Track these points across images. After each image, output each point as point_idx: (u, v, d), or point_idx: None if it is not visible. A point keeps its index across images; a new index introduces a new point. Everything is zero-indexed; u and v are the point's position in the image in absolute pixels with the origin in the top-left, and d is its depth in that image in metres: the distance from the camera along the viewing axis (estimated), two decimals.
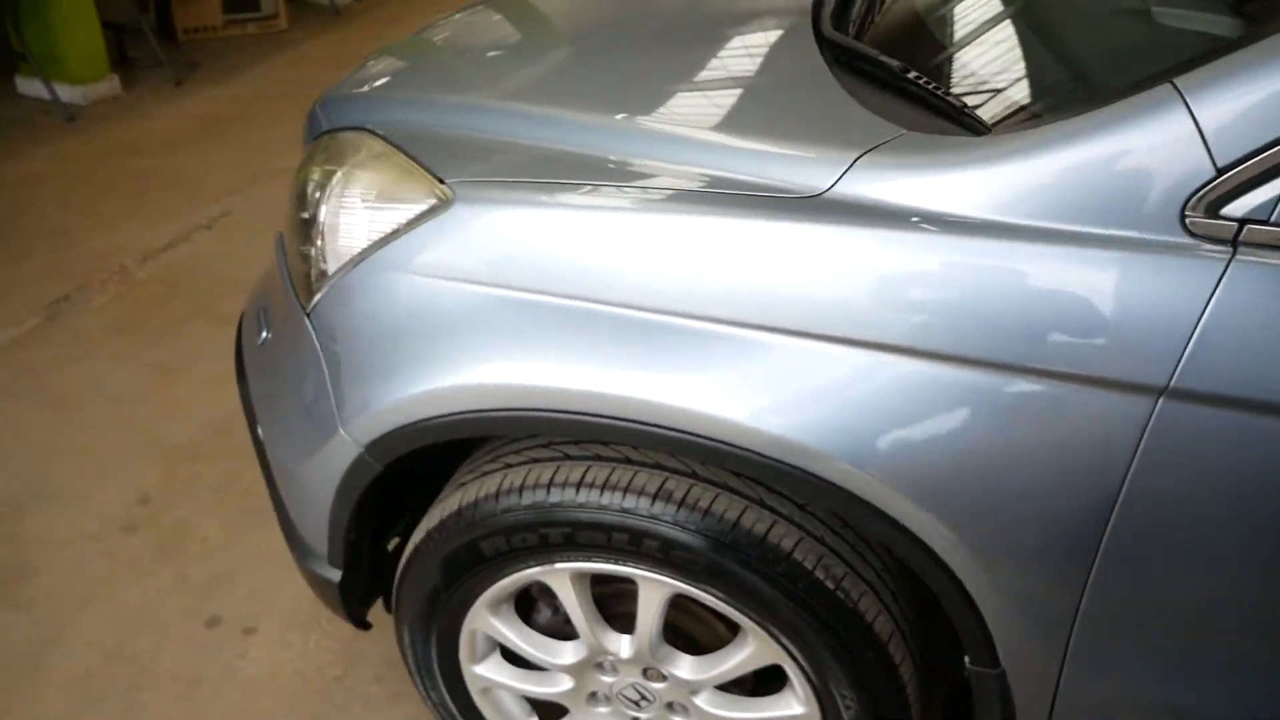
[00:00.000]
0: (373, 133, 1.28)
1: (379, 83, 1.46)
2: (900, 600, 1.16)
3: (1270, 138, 0.80)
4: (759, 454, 0.96)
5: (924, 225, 0.91)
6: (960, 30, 1.36)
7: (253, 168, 3.54)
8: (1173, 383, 0.85)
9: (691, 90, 1.23)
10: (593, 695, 1.33)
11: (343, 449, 1.15)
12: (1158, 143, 0.84)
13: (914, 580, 1.17)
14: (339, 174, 1.21)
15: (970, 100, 1.05)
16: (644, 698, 1.29)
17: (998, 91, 1.09)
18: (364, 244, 1.14)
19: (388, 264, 1.11)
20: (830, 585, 1.07)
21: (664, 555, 1.09)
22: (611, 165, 1.07)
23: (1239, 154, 0.82)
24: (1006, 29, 1.31)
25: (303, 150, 1.59)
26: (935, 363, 0.91)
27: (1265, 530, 0.88)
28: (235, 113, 4.01)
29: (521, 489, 1.13)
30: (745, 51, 1.32)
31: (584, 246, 1.02)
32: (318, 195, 1.24)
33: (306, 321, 1.21)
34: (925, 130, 0.99)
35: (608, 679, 1.29)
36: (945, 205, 0.91)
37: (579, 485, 1.10)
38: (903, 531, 0.98)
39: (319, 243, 1.20)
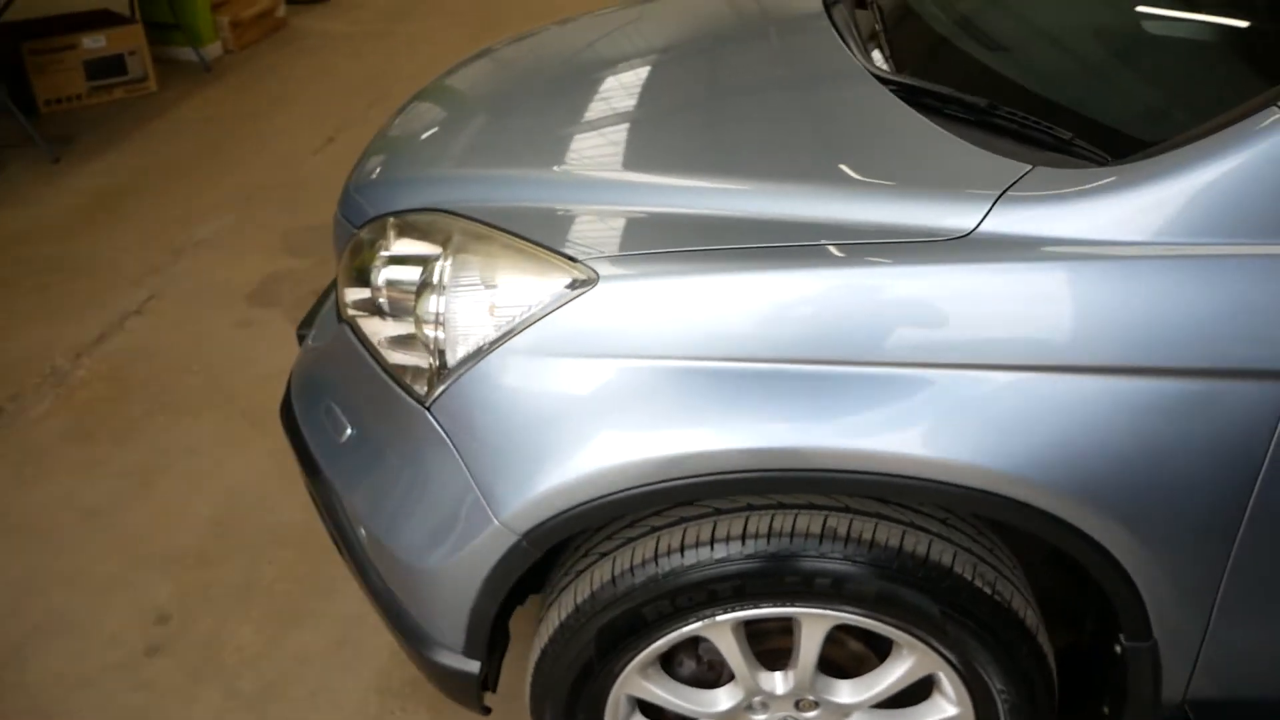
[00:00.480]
0: (454, 214, 1.26)
1: (427, 161, 1.44)
2: (1032, 594, 1.24)
3: None
4: (953, 485, 1.02)
5: (1074, 252, 0.99)
6: (1030, 59, 1.46)
7: (167, 243, 3.34)
8: None
9: (789, 142, 1.27)
10: None
11: (497, 539, 1.13)
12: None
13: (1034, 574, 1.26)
14: (445, 261, 1.19)
15: (1074, 132, 1.14)
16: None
17: (1094, 123, 1.18)
18: (493, 332, 1.13)
19: (531, 348, 1.10)
20: (988, 591, 1.14)
21: (835, 591, 1.13)
22: (745, 225, 1.10)
23: None
24: (1060, 58, 1.42)
25: (333, 241, 1.56)
26: (1100, 376, 0.99)
27: None
28: (128, 185, 3.76)
29: (683, 549, 1.14)
30: (817, 98, 1.37)
31: (745, 308, 1.04)
32: (416, 284, 1.21)
33: (428, 415, 1.18)
34: (1045, 164, 1.07)
35: (759, 717, 1.32)
36: (1089, 232, 0.99)
37: (743, 537, 1.13)
38: (1073, 530, 1.05)
39: (436, 334, 1.17)
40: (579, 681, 1.26)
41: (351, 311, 1.38)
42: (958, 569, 1.13)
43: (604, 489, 1.08)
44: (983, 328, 1.00)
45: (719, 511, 1.16)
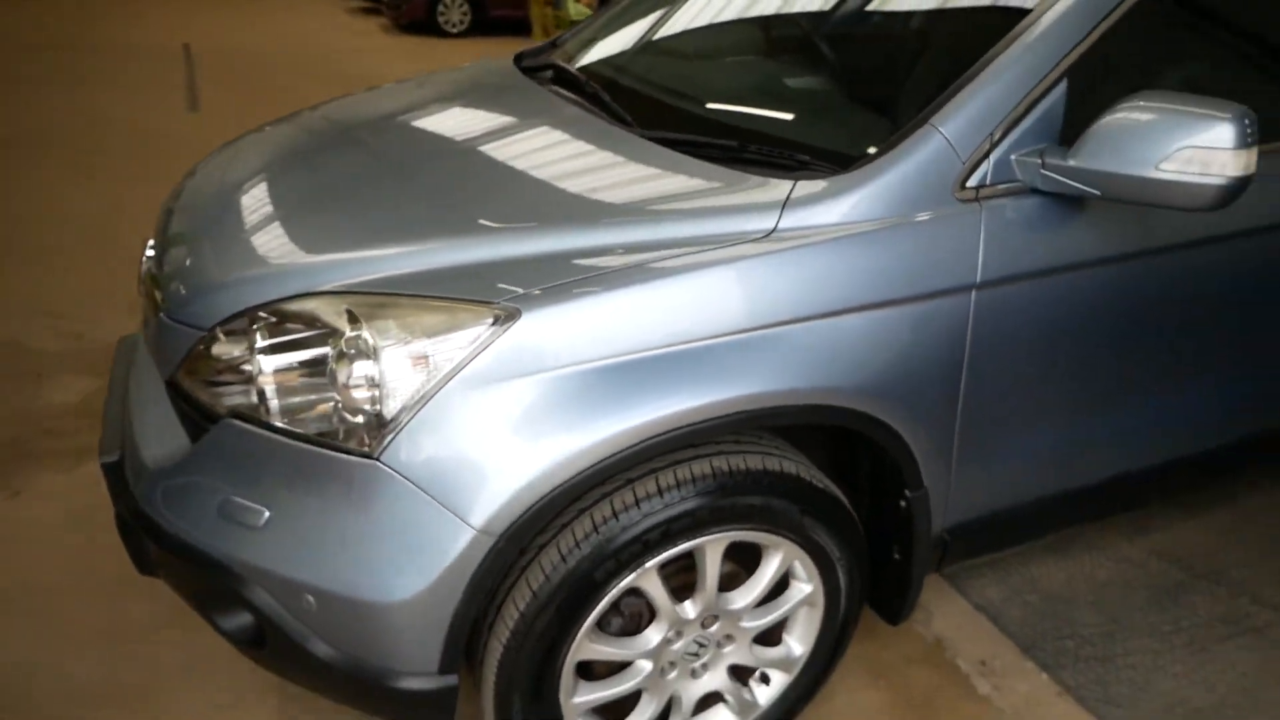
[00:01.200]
0: (336, 293, 1.41)
1: (257, 257, 1.54)
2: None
3: (985, 134, 1.51)
4: (798, 405, 1.43)
5: (833, 233, 1.46)
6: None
7: None
8: (978, 279, 1.53)
9: (611, 187, 1.60)
10: (663, 669, 1.64)
11: (476, 545, 1.31)
12: (931, 156, 1.50)
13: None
14: (361, 330, 1.34)
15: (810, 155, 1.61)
16: (702, 646, 1.65)
17: (818, 148, 1.66)
18: (427, 379, 1.31)
19: (472, 383, 1.31)
20: (818, 485, 1.57)
21: (723, 515, 1.48)
22: (607, 250, 1.42)
23: (967, 152, 1.51)
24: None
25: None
26: (864, 312, 1.47)
27: (1051, 360, 1.62)
28: None
29: (616, 515, 1.42)
30: (604, 153, 1.71)
31: (629, 314, 1.35)
32: (322, 360, 1.35)
33: (378, 464, 1.32)
34: (799, 179, 1.53)
35: (676, 645, 1.62)
36: (838, 218, 1.47)
37: (660, 492, 1.44)
38: (871, 419, 1.52)
39: (371, 393, 1.32)
40: (544, 662, 1.47)
41: (232, 404, 1.44)
42: (797, 472, 1.54)
43: (569, 473, 1.32)
44: (794, 291, 1.42)
45: (630, 481, 1.45)
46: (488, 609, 1.49)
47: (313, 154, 1.94)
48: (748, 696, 1.75)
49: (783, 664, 1.75)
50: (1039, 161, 1.53)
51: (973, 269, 1.54)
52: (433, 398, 1.31)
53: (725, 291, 1.40)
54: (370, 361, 1.33)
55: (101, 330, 3.50)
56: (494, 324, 1.32)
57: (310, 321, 1.41)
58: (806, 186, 1.50)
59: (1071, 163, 1.49)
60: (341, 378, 1.35)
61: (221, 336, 1.48)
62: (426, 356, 1.33)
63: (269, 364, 1.41)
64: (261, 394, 1.41)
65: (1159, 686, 2.05)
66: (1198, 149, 1.40)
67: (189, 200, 1.87)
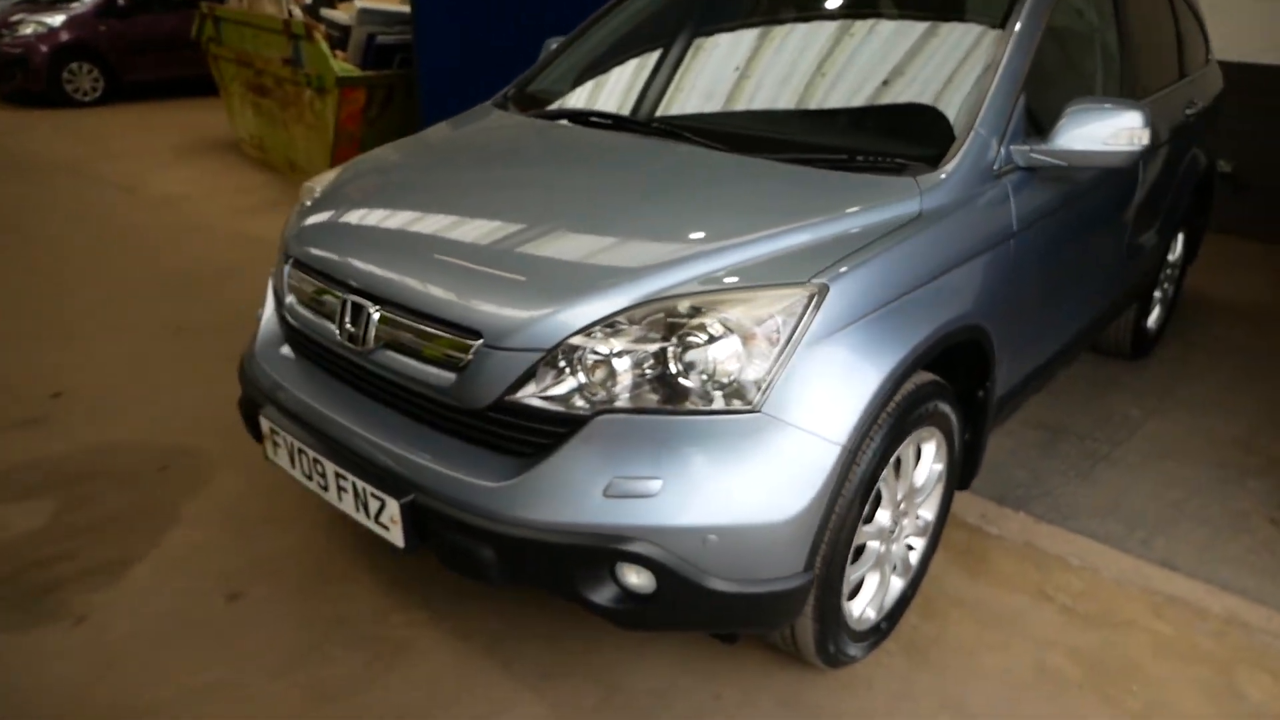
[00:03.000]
0: (676, 296, 1.79)
1: (596, 271, 1.87)
2: None
3: (999, 133, 2.29)
4: (963, 326, 2.10)
5: (948, 211, 2.14)
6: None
7: None
8: (1015, 229, 2.31)
9: (782, 194, 2.12)
10: (880, 548, 2.19)
11: (840, 459, 1.78)
12: (981, 151, 2.24)
13: None
14: (714, 320, 1.74)
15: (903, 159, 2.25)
16: (896, 525, 2.22)
17: (891, 152, 2.30)
18: (778, 346, 1.75)
19: (810, 342, 1.77)
20: (949, 387, 2.24)
21: (932, 411, 2.10)
22: (837, 241, 1.95)
23: (995, 146, 2.28)
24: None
25: None
26: (972, 261, 2.17)
27: (1043, 271, 2.44)
28: None
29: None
30: (764, 175, 2.22)
31: (879, 279, 1.92)
32: (705, 348, 1.74)
33: (763, 414, 1.73)
34: (912, 174, 2.17)
35: (889, 527, 2.18)
36: (944, 201, 2.15)
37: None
38: (984, 331, 2.22)
39: (739, 365, 1.73)
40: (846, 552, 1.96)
41: (596, 402, 1.75)
42: (942, 379, 2.20)
43: (876, 394, 1.84)
44: (945, 251, 2.07)
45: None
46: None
47: (509, 183, 2.27)
48: (910, 561, 2.35)
49: (922, 531, 2.38)
50: (1028, 148, 2.34)
51: (1010, 223, 2.30)
52: (790, 359, 1.76)
53: (917, 255, 2.00)
54: (733, 341, 1.74)
55: (2, 445, 3.10)
56: (813, 297, 1.80)
57: (654, 322, 1.77)
58: (924, 181, 2.15)
59: (1052, 146, 2.31)
60: (713, 359, 1.73)
61: (576, 347, 1.76)
62: (776, 330, 1.76)
63: (633, 361, 1.75)
64: (638, 386, 1.74)
65: (1084, 500, 3.02)
66: (1125, 129, 2.28)
67: (424, 236, 2.07)
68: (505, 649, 2.30)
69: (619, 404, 1.76)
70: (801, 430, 1.77)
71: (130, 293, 4.61)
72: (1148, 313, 4.00)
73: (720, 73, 2.74)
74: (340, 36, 5.76)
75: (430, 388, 1.89)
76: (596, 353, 1.77)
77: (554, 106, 2.84)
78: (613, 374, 1.76)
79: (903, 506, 2.23)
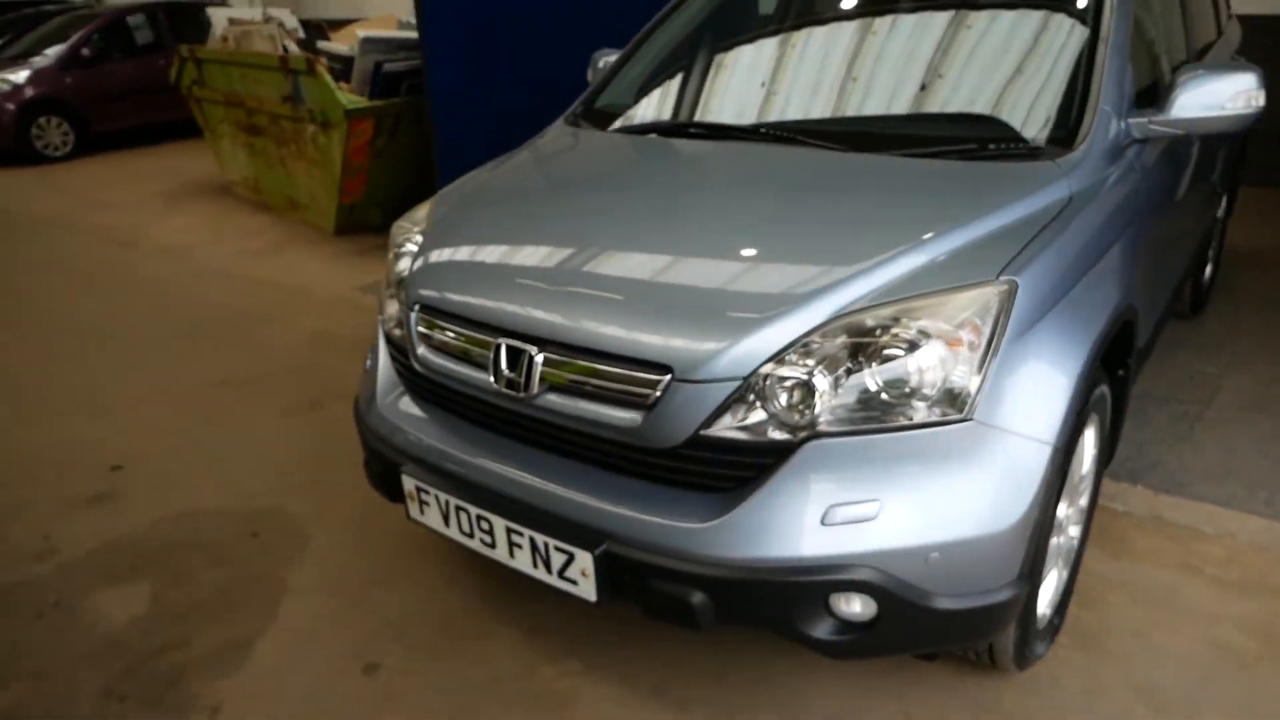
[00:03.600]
0: (861, 310, 1.71)
1: (777, 293, 1.78)
2: None
3: (1119, 109, 2.24)
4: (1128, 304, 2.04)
5: (1091, 189, 2.08)
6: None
7: None
8: (1142, 202, 2.26)
9: (930, 192, 2.06)
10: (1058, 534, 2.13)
11: (1049, 458, 1.71)
12: (1109, 129, 2.19)
13: None
14: (909, 329, 1.68)
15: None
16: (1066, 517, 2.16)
17: (1016, 138, 2.25)
18: (981, 350, 1.68)
19: (1011, 339, 1.70)
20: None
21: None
22: (1002, 233, 1.88)
23: (1120, 122, 2.23)
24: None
25: None
26: (1124, 236, 2.12)
27: (1157, 233, 2.40)
28: None
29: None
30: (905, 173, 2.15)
31: (1062, 264, 1.86)
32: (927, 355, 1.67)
33: (975, 423, 1.66)
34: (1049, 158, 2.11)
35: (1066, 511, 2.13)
36: (1088, 181, 2.09)
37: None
38: (1136, 310, 2.17)
39: (945, 373, 1.66)
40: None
41: (800, 426, 1.67)
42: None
43: (1076, 388, 1.79)
44: (1101, 235, 2.02)
45: None
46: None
47: (641, 202, 2.20)
48: (1070, 550, 2.29)
49: (1079, 518, 2.31)
50: (1145, 120, 2.29)
51: (1138, 197, 2.26)
52: (993, 359, 1.69)
53: (1081, 240, 1.95)
54: (934, 348, 1.66)
55: (77, 528, 2.93)
56: (1007, 294, 1.73)
57: (848, 339, 1.68)
58: (1065, 163, 2.08)
59: (1170, 116, 2.26)
60: (917, 369, 1.66)
61: (771, 373, 1.67)
62: (976, 332, 1.69)
63: (833, 382, 1.67)
64: (843, 407, 1.66)
65: (1195, 465, 2.99)
66: (1242, 91, 2.24)
67: (602, 265, 1.97)
68: (674, 691, 2.20)
69: (823, 428, 1.68)
70: (1014, 434, 1.70)
71: (158, 351, 4.42)
72: (1203, 269, 4.01)
73: (814, 71, 2.66)
74: (342, 68, 5.59)
75: (612, 429, 1.79)
76: (794, 377, 1.68)
77: (642, 120, 2.74)
78: (813, 397, 1.68)
79: (1070, 496, 2.17)
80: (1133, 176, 2.28)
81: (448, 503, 1.98)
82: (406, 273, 2.26)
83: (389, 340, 2.31)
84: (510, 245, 2.15)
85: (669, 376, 1.71)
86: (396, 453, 2.11)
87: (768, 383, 1.69)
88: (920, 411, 1.67)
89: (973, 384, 1.67)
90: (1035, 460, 1.72)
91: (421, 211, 2.51)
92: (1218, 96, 2.24)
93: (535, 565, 1.88)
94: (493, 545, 1.94)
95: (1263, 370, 3.64)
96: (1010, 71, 2.39)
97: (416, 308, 2.12)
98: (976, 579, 1.72)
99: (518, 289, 1.97)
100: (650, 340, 1.74)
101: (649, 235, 2.05)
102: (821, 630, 1.73)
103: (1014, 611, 1.80)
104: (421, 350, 2.10)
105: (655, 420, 1.73)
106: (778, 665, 2.24)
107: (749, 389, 1.69)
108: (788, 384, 1.68)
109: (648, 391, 1.73)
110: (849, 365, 1.68)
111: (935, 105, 2.43)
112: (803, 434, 1.68)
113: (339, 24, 7.41)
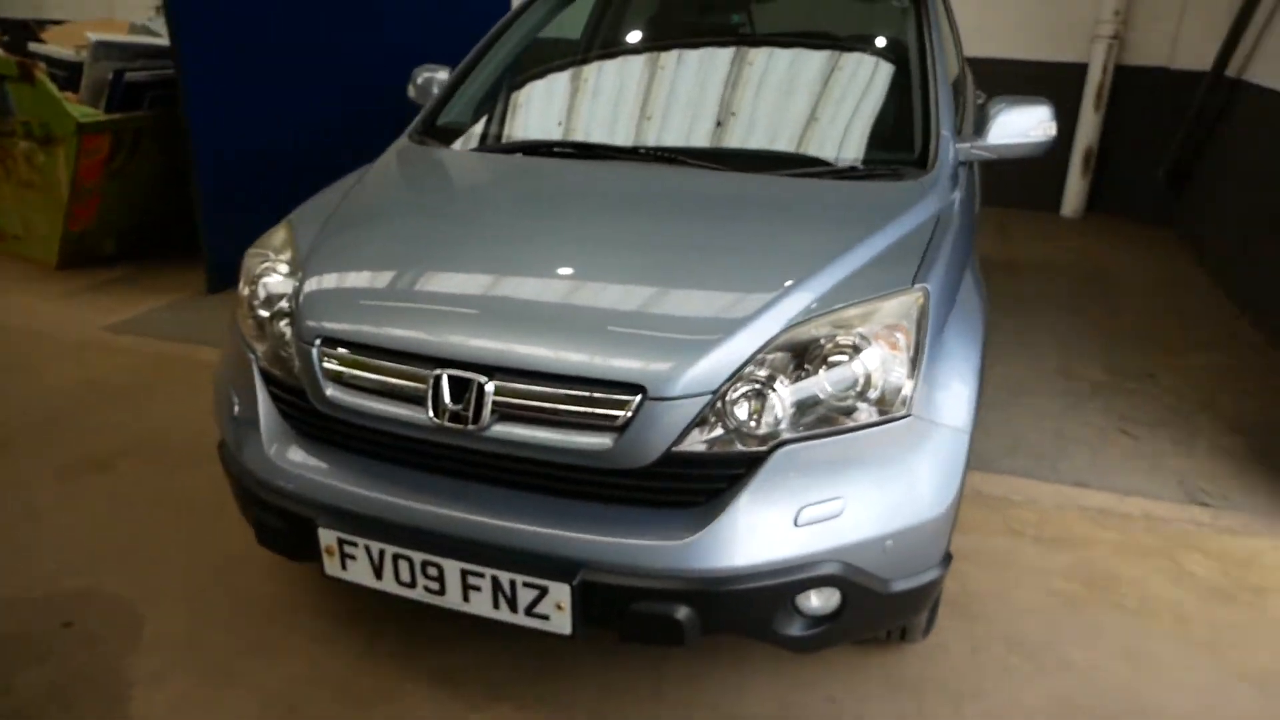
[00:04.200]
0: (811, 319, 1.81)
1: (729, 310, 1.83)
2: None
3: (953, 133, 2.55)
4: None
5: (956, 201, 2.35)
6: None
7: None
8: (975, 209, 2.58)
9: (825, 207, 2.19)
10: None
11: (969, 442, 1.91)
12: (951, 151, 2.48)
13: None
14: (851, 338, 1.81)
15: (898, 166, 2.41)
16: None
17: (886, 160, 2.45)
18: (909, 351, 1.84)
19: (930, 339, 1.88)
20: None
21: None
22: (899, 247, 2.07)
23: (955, 145, 2.53)
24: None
25: None
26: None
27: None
28: None
29: None
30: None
31: (947, 269, 2.07)
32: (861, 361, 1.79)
33: (914, 418, 1.81)
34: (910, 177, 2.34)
35: None
36: (946, 195, 2.36)
37: None
38: None
39: (886, 374, 1.80)
40: None
41: (766, 435, 1.74)
42: None
43: (982, 375, 2.00)
44: (959, 245, 2.28)
45: None
46: None
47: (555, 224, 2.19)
48: None
49: None
50: (969, 145, 2.62)
51: (967, 212, 2.58)
52: (921, 359, 1.85)
53: (952, 249, 2.16)
54: (875, 353, 1.79)
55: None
56: (922, 299, 1.91)
57: (799, 349, 1.78)
58: (926, 182, 2.33)
59: (988, 142, 2.61)
60: (863, 373, 1.78)
61: (738, 385, 1.72)
62: (906, 336, 1.85)
63: (793, 391, 1.75)
64: (799, 414, 1.74)
65: (989, 444, 3.44)
66: (1040, 121, 2.64)
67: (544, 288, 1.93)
68: (612, 714, 2.17)
69: (786, 435, 1.75)
70: (942, 425, 1.88)
71: None
72: None
73: (686, 93, 2.75)
74: (67, 75, 4.84)
75: (576, 454, 1.74)
76: (755, 388, 1.74)
77: (508, 138, 2.68)
78: (775, 407, 1.75)
79: None
80: (961, 195, 2.59)
81: (381, 553, 1.82)
82: (288, 304, 2.04)
83: (268, 379, 2.07)
84: (424, 271, 2.02)
85: (640, 396, 1.70)
86: (305, 505, 1.90)
87: (733, 396, 1.73)
88: (868, 412, 1.80)
89: (908, 383, 1.83)
90: (959, 446, 1.91)
91: (279, 237, 2.28)
92: (1024, 125, 2.61)
93: (496, 606, 1.77)
94: (441, 591, 1.81)
95: (1023, 358, 4.26)
96: (859, 101, 2.63)
97: (318, 342, 1.92)
98: (920, 559, 1.87)
99: (454, 317, 1.86)
100: (620, 361, 1.72)
101: (579, 258, 2.02)
102: (796, 628, 1.80)
103: (939, 587, 1.98)
104: (331, 390, 1.91)
105: (627, 441, 1.71)
106: (709, 675, 2.28)
107: (718, 403, 1.72)
108: (750, 396, 1.74)
109: (617, 413, 1.71)
110: (801, 374, 1.77)
111: (800, 129, 2.62)
112: (771, 442, 1.74)
113: (41, 25, 6.40)
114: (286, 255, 2.20)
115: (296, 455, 1.97)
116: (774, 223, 2.17)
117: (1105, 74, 6.44)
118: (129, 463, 3.24)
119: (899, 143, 2.53)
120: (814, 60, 2.78)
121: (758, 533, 1.72)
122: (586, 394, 1.72)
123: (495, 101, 2.88)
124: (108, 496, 3.03)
